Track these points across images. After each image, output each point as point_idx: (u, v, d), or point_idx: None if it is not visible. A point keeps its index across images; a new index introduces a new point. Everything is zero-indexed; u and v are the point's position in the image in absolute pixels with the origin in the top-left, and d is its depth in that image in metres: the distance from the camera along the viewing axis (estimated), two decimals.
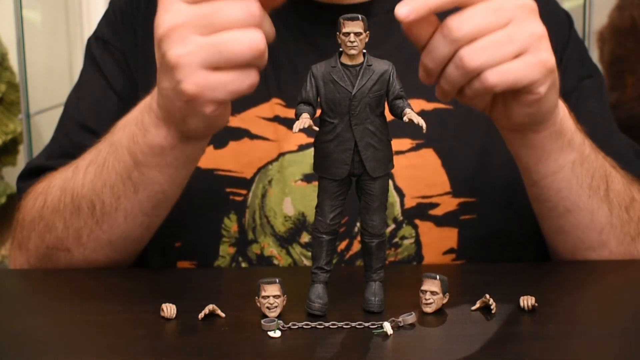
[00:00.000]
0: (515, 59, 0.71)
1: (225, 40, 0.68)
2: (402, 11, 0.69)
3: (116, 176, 0.84)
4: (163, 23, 0.70)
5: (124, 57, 1.00)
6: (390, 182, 0.91)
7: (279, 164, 0.92)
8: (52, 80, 2.53)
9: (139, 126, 0.81)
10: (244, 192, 0.92)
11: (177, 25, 0.69)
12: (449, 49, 0.70)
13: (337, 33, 0.67)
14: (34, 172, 1.00)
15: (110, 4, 1.05)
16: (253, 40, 0.68)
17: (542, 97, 0.74)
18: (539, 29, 0.73)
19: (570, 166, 0.84)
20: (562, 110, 0.82)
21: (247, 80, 0.70)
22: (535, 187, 0.86)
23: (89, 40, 1.05)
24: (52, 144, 1.03)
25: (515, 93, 0.73)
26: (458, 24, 0.69)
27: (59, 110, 1.09)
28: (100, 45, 1.02)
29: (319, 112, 0.69)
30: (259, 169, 0.92)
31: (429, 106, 0.94)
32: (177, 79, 0.70)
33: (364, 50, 0.68)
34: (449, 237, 0.92)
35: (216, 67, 0.69)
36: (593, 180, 0.86)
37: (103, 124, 0.97)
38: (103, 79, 1.01)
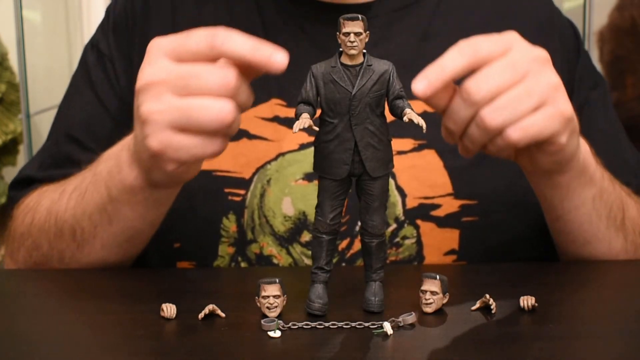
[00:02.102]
0: (534, 112, 0.72)
1: (195, 106, 0.69)
2: (419, 87, 0.69)
3: (94, 206, 0.86)
4: (144, 76, 0.72)
5: (113, 69, 1.01)
6: (392, 182, 0.91)
7: (278, 163, 0.92)
8: (52, 80, 2.53)
9: (116, 162, 0.83)
10: (242, 192, 0.92)
11: (155, 82, 0.71)
12: (470, 112, 0.71)
13: (337, 33, 0.67)
14: (25, 182, 1.02)
15: (106, 13, 1.06)
16: (222, 110, 0.69)
17: (564, 145, 0.76)
18: (555, 79, 0.74)
19: (591, 200, 0.86)
20: (584, 148, 0.83)
21: (210, 147, 0.71)
22: (558, 221, 0.89)
23: (86, 46, 1.06)
24: (43, 153, 1.04)
25: (538, 144, 0.75)
26: (476, 87, 0.70)
27: None
28: (94, 54, 1.03)
29: (319, 112, 0.69)
30: (257, 169, 0.92)
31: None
32: (145, 132, 0.72)
33: (364, 50, 0.68)
34: (451, 238, 0.92)
35: (183, 130, 0.70)
36: (611, 211, 0.89)
37: (90, 136, 1.00)
38: (92, 90, 1.02)
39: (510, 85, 0.71)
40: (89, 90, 1.02)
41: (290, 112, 0.93)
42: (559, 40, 1.02)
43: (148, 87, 0.71)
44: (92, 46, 1.04)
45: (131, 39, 1.01)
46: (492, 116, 0.70)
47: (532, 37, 1.01)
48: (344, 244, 0.91)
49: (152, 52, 0.73)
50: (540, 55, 0.74)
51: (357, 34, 0.66)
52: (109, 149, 0.88)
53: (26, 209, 0.96)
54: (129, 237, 0.87)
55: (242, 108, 0.72)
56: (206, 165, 0.92)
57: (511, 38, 0.75)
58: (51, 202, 0.92)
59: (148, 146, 0.72)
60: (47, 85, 2.47)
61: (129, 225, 0.86)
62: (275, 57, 0.69)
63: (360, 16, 0.66)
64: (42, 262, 0.92)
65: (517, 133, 0.71)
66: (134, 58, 0.99)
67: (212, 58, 0.70)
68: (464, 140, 0.73)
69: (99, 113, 1.01)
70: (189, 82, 0.70)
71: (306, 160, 0.92)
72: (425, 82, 0.69)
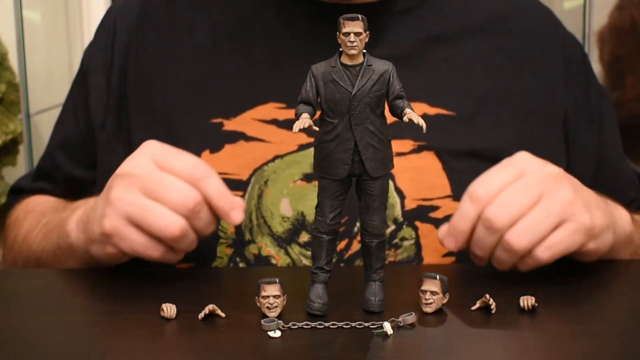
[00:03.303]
0: (556, 229, 0.76)
1: (152, 209, 0.77)
2: (451, 246, 0.79)
3: (50, 247, 0.93)
4: (127, 166, 0.80)
5: (94, 87, 1.03)
6: (391, 183, 0.91)
7: (276, 165, 0.92)
8: (52, 80, 2.54)
9: (70, 214, 0.90)
10: (240, 193, 0.92)
11: (133, 175, 0.79)
12: (494, 238, 0.77)
13: (337, 33, 0.67)
14: (18, 192, 1.10)
15: (96, 31, 1.07)
16: (171, 223, 0.77)
17: (595, 249, 0.81)
18: (569, 194, 0.78)
19: (629, 257, 0.91)
20: (624, 218, 0.87)
21: (152, 250, 0.79)
22: None
23: (83, 53, 1.08)
24: (38, 164, 1.11)
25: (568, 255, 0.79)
26: (496, 215, 0.76)
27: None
28: (80, 72, 1.07)
29: (319, 112, 0.69)
30: (255, 170, 0.93)
31: (431, 110, 0.95)
32: (104, 212, 0.79)
33: (364, 50, 0.68)
34: None
35: (135, 225, 0.78)
36: None
37: (65, 154, 1.06)
38: (73, 107, 1.06)
39: (529, 207, 0.76)
40: (71, 107, 1.07)
41: (290, 114, 0.93)
42: (562, 51, 1.02)
43: (125, 176, 0.79)
44: (81, 63, 1.07)
45: (121, 56, 1.01)
46: (517, 239, 0.75)
47: (532, 39, 1.02)
48: (342, 244, 0.91)
49: (143, 150, 0.81)
50: (552, 172, 0.79)
51: (357, 34, 0.66)
52: (85, 198, 0.94)
53: (14, 223, 1.04)
54: None
55: (200, 232, 0.80)
56: None
57: (522, 160, 0.80)
58: (29, 227, 0.99)
59: (102, 224, 0.79)
60: (47, 85, 2.47)
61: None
62: (232, 214, 0.79)
63: (360, 16, 0.66)
64: None
65: (545, 253, 0.76)
66: (128, 73, 1.00)
67: (190, 183, 0.78)
68: (494, 263, 0.79)
69: (74, 132, 1.05)
70: (157, 188, 0.78)
71: (305, 161, 0.92)
72: (453, 240, 0.79)
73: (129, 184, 0.78)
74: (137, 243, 0.78)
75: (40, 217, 1.00)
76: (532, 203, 0.76)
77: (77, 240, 0.86)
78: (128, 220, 0.78)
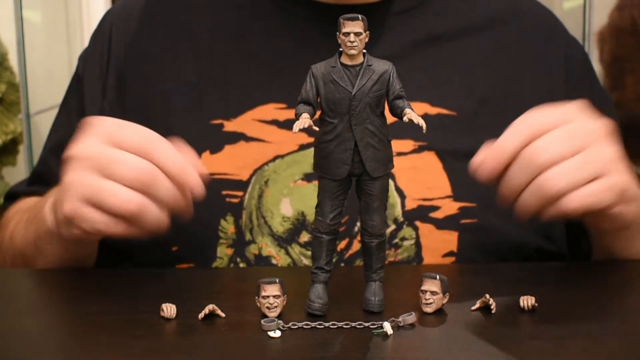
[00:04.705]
0: (591, 182, 0.74)
1: (106, 188, 0.76)
2: (483, 173, 0.76)
3: (31, 238, 0.93)
4: (74, 148, 0.80)
5: (89, 92, 1.03)
6: (392, 183, 0.91)
7: (276, 165, 0.93)
8: (52, 80, 2.53)
9: (44, 202, 0.89)
10: (240, 193, 0.92)
11: (82, 157, 0.78)
12: (527, 177, 0.74)
13: (337, 33, 0.67)
14: (13, 196, 1.10)
15: (90, 39, 1.07)
16: (128, 199, 0.76)
17: (620, 214, 0.79)
18: (614, 152, 0.76)
19: None
20: None
21: (114, 227, 0.78)
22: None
23: (78, 58, 1.08)
24: (34, 169, 1.11)
25: (594, 212, 0.77)
26: (537, 152, 0.73)
27: None
28: (75, 77, 1.06)
29: (319, 112, 0.69)
30: (255, 170, 0.93)
31: (432, 110, 0.95)
32: (62, 197, 0.79)
33: (364, 50, 0.68)
34: (449, 240, 0.92)
35: (93, 205, 0.77)
36: None
37: (57, 160, 1.05)
38: (67, 112, 1.06)
39: (571, 153, 0.74)
40: (65, 112, 1.07)
41: (290, 114, 0.93)
42: (564, 54, 1.02)
43: (76, 159, 0.78)
44: (76, 69, 1.07)
45: (118, 60, 1.01)
46: (551, 182, 0.73)
47: (534, 42, 1.02)
48: (342, 244, 0.91)
49: (90, 129, 0.80)
50: (601, 127, 0.77)
51: (357, 34, 0.66)
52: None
53: (2, 225, 1.04)
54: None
55: (165, 203, 0.77)
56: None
57: (572, 110, 0.78)
58: (15, 225, 1.00)
59: (61, 209, 0.79)
60: (47, 85, 2.47)
61: (54, 261, 0.90)
62: (195, 189, 0.78)
63: (360, 16, 0.66)
64: None
65: (574, 202, 0.74)
66: (127, 77, 1.00)
67: (141, 155, 0.77)
68: (518, 207, 0.76)
69: (67, 136, 1.04)
70: (109, 165, 0.76)
71: (305, 160, 0.92)
72: (484, 166, 0.75)
73: (81, 166, 0.78)
74: (97, 222, 0.77)
75: (23, 214, 1.00)
76: (574, 150, 0.74)
77: (52, 226, 0.86)
78: (85, 201, 0.77)
